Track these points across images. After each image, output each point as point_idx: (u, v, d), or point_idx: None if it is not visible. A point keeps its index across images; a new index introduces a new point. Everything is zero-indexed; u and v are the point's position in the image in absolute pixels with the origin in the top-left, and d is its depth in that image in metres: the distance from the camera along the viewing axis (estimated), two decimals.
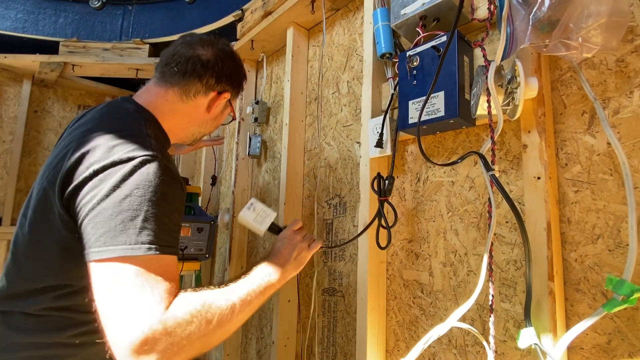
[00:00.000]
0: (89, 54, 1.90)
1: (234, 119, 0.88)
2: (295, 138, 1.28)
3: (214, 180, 1.77)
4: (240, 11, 1.55)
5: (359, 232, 0.86)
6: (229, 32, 1.63)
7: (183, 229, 1.30)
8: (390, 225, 0.81)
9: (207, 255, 1.38)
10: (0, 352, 0.61)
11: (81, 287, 0.61)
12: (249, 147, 1.51)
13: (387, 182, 0.83)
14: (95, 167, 0.55)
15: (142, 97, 0.72)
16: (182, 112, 0.74)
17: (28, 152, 2.09)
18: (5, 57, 1.92)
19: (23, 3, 1.93)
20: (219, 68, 0.74)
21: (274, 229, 0.81)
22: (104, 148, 0.57)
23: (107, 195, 0.53)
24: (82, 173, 0.55)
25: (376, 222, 0.85)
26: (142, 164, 0.55)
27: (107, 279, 0.51)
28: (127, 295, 0.50)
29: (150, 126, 0.66)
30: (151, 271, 0.52)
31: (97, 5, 1.92)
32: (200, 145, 1.41)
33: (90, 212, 0.53)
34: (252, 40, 1.49)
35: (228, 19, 1.63)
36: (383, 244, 0.83)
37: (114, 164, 0.55)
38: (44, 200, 0.61)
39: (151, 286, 0.51)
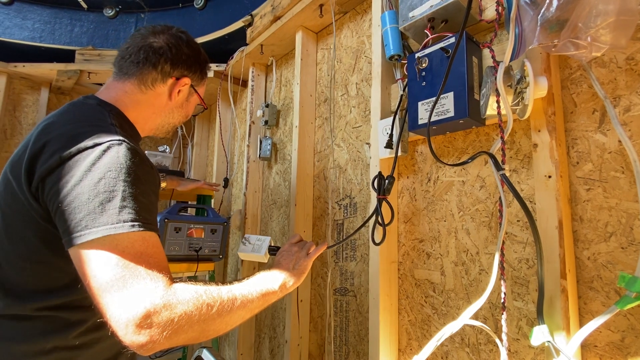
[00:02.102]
0: (103, 61, 1.96)
1: (205, 108, 0.88)
2: (305, 140, 1.30)
3: (226, 182, 1.80)
4: (250, 16, 1.58)
5: (370, 233, 0.87)
6: (239, 37, 1.66)
7: (197, 231, 1.33)
8: (386, 222, 0.82)
9: (220, 256, 1.41)
10: None
11: (70, 281, 0.59)
12: (260, 149, 1.54)
13: (387, 181, 0.84)
14: (61, 154, 0.54)
15: (103, 93, 0.72)
16: (144, 103, 0.73)
17: None
18: (24, 66, 1.99)
19: (40, 13, 2.00)
20: (173, 53, 0.73)
21: (273, 249, 0.85)
22: (67, 137, 0.56)
23: (80, 180, 0.52)
24: (46, 161, 0.54)
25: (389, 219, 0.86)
26: (109, 148, 0.55)
27: (95, 261, 0.50)
28: (122, 274, 0.49)
29: (114, 117, 0.65)
30: (140, 248, 0.52)
31: (111, 14, 1.98)
32: (199, 185, 1.48)
33: (65, 198, 0.52)
34: (261, 45, 1.51)
35: (238, 24, 1.66)
36: (378, 240, 0.84)
37: (80, 151, 0.54)
38: (12, 196, 0.59)
39: (143, 262, 0.51)
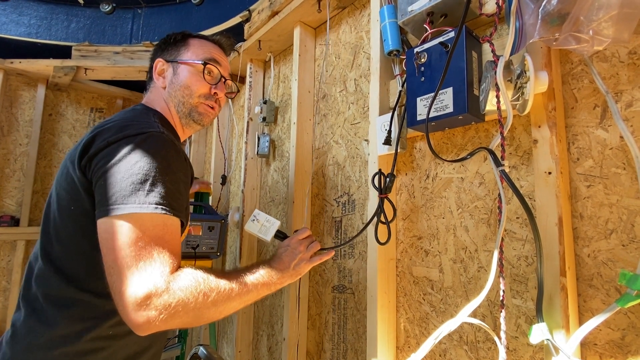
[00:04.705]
0: (100, 57, 1.94)
1: (205, 63, 0.80)
2: (303, 137, 1.28)
3: (224, 179, 1.79)
4: (248, 12, 1.56)
5: (374, 233, 0.86)
6: (237, 32, 1.65)
7: (195, 228, 1.33)
8: (389, 220, 0.82)
9: (218, 254, 1.40)
10: (35, 350, 0.63)
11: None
12: (258, 146, 1.53)
13: (387, 179, 0.83)
14: (109, 139, 0.61)
15: (145, 100, 0.84)
16: (156, 96, 0.81)
17: (44, 154, 2.14)
18: (20, 62, 1.97)
19: (36, 9, 1.98)
20: (154, 51, 0.87)
21: (280, 236, 0.86)
22: (116, 127, 0.64)
23: (119, 161, 0.58)
24: (97, 145, 0.62)
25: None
26: (151, 136, 0.62)
27: (115, 234, 0.55)
28: (137, 253, 0.53)
29: (157, 118, 0.73)
30: (159, 232, 0.57)
31: (108, 9, 1.96)
32: (199, 187, 1.51)
33: (104, 175, 0.58)
34: (259, 41, 1.50)
35: (235, 20, 1.64)
36: (383, 240, 0.83)
37: (126, 137, 0.61)
38: (66, 177, 0.66)
39: (158, 245, 0.55)
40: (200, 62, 0.79)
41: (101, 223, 0.57)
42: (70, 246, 0.65)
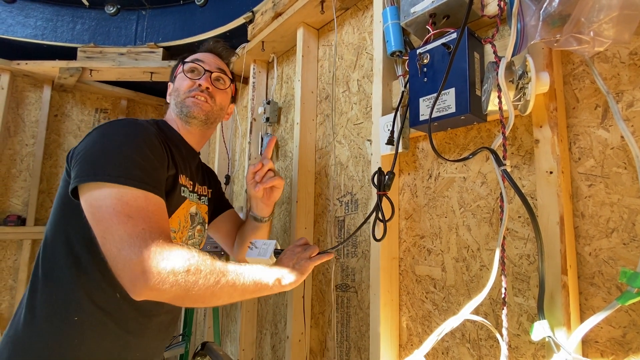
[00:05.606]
0: (105, 58, 1.96)
1: (184, 63, 0.91)
2: (307, 137, 1.30)
3: (228, 179, 1.81)
4: (251, 13, 1.57)
5: (371, 229, 0.87)
6: (240, 33, 1.66)
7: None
8: (387, 218, 0.82)
9: (222, 253, 1.41)
10: (21, 333, 0.67)
11: (84, 246, 0.67)
12: (261, 146, 1.54)
13: (386, 177, 0.84)
14: (90, 132, 0.69)
15: None
16: (169, 111, 0.93)
17: (49, 154, 2.17)
18: (26, 63, 2.00)
19: (42, 11, 2.00)
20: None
21: (279, 252, 0.85)
22: (101, 125, 0.71)
23: (93, 141, 0.65)
24: (81, 140, 0.69)
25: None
26: (124, 122, 0.70)
27: (103, 206, 0.58)
28: (125, 221, 0.56)
29: (152, 120, 0.82)
30: (142, 204, 0.59)
31: (112, 11, 1.98)
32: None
33: (80, 153, 0.65)
34: (262, 42, 1.51)
35: (239, 21, 1.65)
36: (379, 237, 0.84)
37: (103, 125, 0.70)
38: (65, 170, 0.73)
39: (145, 217, 0.58)
40: (181, 64, 0.90)
41: (83, 198, 0.61)
42: (51, 227, 0.72)
